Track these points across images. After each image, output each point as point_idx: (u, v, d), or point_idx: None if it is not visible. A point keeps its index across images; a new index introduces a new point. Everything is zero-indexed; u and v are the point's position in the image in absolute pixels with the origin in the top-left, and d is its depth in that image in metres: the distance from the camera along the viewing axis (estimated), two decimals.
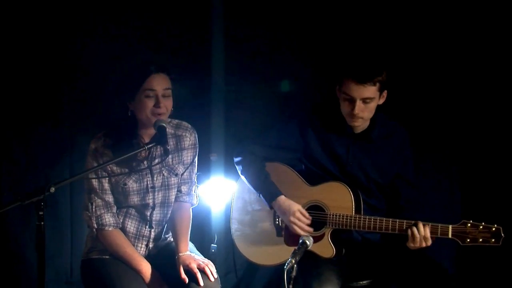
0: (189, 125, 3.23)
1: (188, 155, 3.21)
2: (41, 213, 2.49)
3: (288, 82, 4.11)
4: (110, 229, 3.08)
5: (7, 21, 3.80)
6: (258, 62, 4.12)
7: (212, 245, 3.79)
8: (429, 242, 2.92)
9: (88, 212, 3.07)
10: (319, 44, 4.02)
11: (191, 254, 3.09)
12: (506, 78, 3.74)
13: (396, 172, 3.22)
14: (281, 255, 3.21)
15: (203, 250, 3.92)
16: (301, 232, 3.10)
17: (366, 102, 3.03)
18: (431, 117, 3.88)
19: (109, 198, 3.10)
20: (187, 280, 2.97)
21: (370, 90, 3.00)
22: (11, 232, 3.90)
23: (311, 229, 3.12)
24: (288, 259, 2.66)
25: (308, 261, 3.01)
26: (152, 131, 3.05)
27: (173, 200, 3.21)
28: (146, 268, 3.06)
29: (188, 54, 4.08)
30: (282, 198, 3.16)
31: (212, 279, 3.00)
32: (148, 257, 3.15)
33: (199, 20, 4.04)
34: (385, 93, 3.11)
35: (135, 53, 3.96)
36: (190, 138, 3.20)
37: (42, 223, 2.50)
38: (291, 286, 2.62)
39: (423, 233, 2.90)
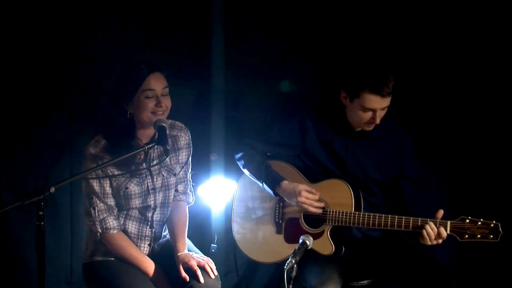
0: (183, 125, 3.24)
1: (183, 155, 3.22)
2: (41, 213, 2.49)
3: (288, 82, 4.11)
4: (114, 232, 3.08)
5: (7, 21, 3.81)
6: (258, 62, 4.12)
7: (212, 245, 3.79)
8: (440, 240, 2.93)
9: (90, 217, 3.06)
10: (320, 43, 4.02)
11: (189, 253, 3.10)
12: (500, 76, 3.76)
13: (397, 170, 3.23)
14: (281, 252, 3.22)
15: (203, 250, 3.91)
16: (312, 209, 3.11)
17: (383, 109, 3.08)
18: (428, 115, 3.88)
19: (111, 201, 3.09)
20: (188, 279, 2.99)
21: (389, 99, 3.07)
22: (11, 232, 3.89)
23: (321, 204, 3.13)
24: (288, 257, 2.67)
25: (309, 259, 3.02)
26: (150, 132, 3.05)
27: (172, 199, 3.22)
28: (151, 269, 3.06)
29: (188, 54, 4.08)
30: (285, 182, 3.18)
31: (212, 276, 3.02)
32: (152, 256, 3.16)
33: (199, 20, 4.04)
34: None
35: (135, 53, 3.97)
36: (185, 138, 3.22)
37: (42, 223, 2.50)
38: (291, 286, 2.63)
39: (435, 231, 2.91)
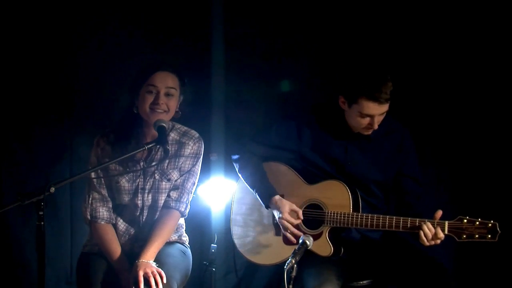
0: (197, 134, 3.21)
1: (186, 163, 3.18)
2: (41, 213, 2.50)
3: (288, 82, 4.11)
4: (102, 222, 3.12)
5: (8, 21, 3.81)
6: (258, 62, 4.12)
7: (212, 245, 3.79)
8: (437, 240, 2.93)
9: (84, 203, 3.13)
10: (320, 44, 4.02)
11: (148, 262, 2.96)
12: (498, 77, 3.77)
13: (397, 169, 3.22)
14: (280, 254, 3.21)
15: (203, 250, 3.94)
16: (287, 234, 3.13)
17: (381, 115, 3.08)
18: (428, 115, 3.89)
19: (106, 192, 3.14)
20: (132, 287, 2.90)
21: (387, 105, 3.05)
22: (11, 232, 3.90)
23: (295, 231, 3.12)
24: (287, 258, 2.67)
25: (308, 261, 3.02)
26: (156, 134, 3.00)
27: (162, 204, 3.16)
28: (122, 268, 3.04)
29: (188, 54, 4.09)
30: (277, 197, 3.17)
31: None
32: (132, 255, 3.09)
33: (199, 20, 4.04)
34: None
35: (136, 53, 3.97)
36: (192, 147, 3.18)
37: (42, 223, 2.50)
38: (291, 286, 2.63)
39: (433, 231, 2.91)
